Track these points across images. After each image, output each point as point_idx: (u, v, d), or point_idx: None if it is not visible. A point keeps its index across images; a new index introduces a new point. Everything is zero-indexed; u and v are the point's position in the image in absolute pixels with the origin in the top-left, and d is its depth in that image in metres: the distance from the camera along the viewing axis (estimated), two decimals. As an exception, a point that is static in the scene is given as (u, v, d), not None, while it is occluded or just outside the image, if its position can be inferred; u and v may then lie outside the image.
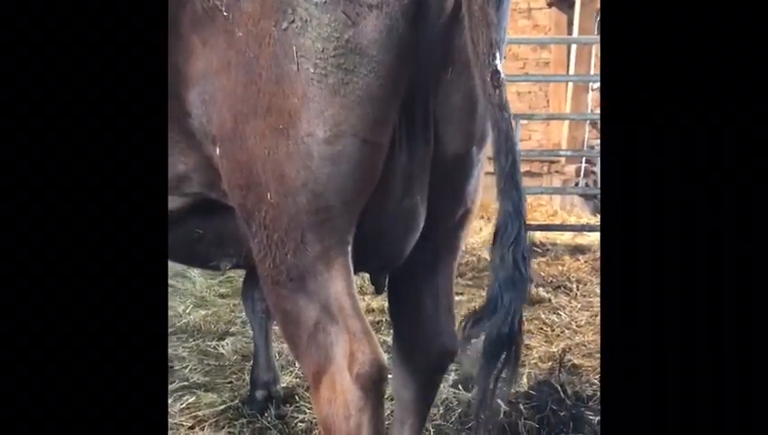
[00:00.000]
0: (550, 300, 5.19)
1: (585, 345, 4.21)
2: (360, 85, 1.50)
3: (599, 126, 9.91)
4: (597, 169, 9.68)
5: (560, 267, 6.62)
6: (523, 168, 7.12)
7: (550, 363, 3.73)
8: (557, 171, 10.10)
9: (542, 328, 4.57)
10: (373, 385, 1.60)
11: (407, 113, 1.63)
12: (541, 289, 5.49)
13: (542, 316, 4.78)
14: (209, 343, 3.99)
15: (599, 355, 4.06)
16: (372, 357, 1.59)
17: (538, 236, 7.20)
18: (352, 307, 1.62)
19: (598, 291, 5.89)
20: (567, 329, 4.56)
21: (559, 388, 3.12)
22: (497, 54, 1.49)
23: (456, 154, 1.75)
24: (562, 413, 2.97)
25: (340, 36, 1.47)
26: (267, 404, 3.08)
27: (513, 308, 1.52)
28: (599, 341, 4.38)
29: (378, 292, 2.15)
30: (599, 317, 4.86)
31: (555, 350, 4.05)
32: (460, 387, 3.31)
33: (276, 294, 1.68)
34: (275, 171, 1.55)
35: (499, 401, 1.93)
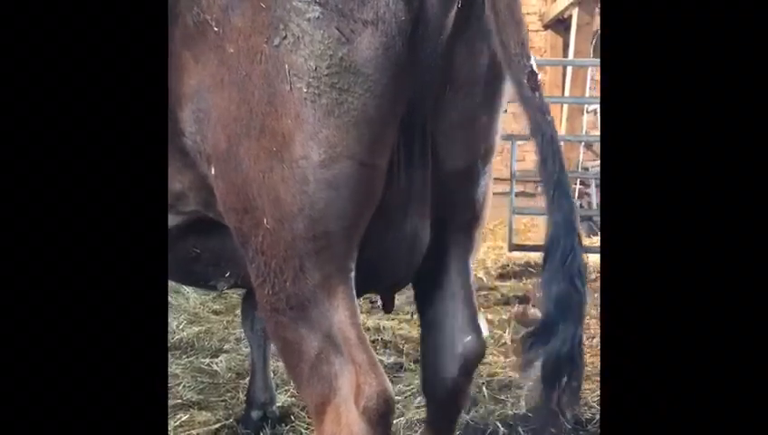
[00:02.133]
0: (545, 320, 5.17)
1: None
2: (355, 105, 1.46)
3: (593, 148, 9.94)
4: (591, 190, 9.69)
5: (556, 289, 6.61)
6: (518, 188, 7.14)
7: (544, 383, 3.71)
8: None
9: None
10: (381, 418, 1.54)
11: (405, 133, 1.60)
12: (535, 310, 5.47)
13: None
14: (203, 360, 3.95)
15: (597, 378, 4.07)
16: (380, 389, 1.53)
17: (533, 256, 7.19)
18: (357, 337, 1.56)
19: (594, 313, 5.88)
20: (563, 349, 4.53)
21: (558, 411, 3.08)
22: (531, 54, 1.43)
23: (458, 170, 1.72)
24: None
25: (333, 54, 1.43)
26: (263, 424, 3.05)
27: (570, 329, 1.46)
28: (596, 363, 4.40)
29: (386, 311, 2.11)
30: (596, 339, 4.87)
31: None
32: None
33: (276, 322, 1.62)
34: (271, 195, 1.51)
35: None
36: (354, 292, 1.62)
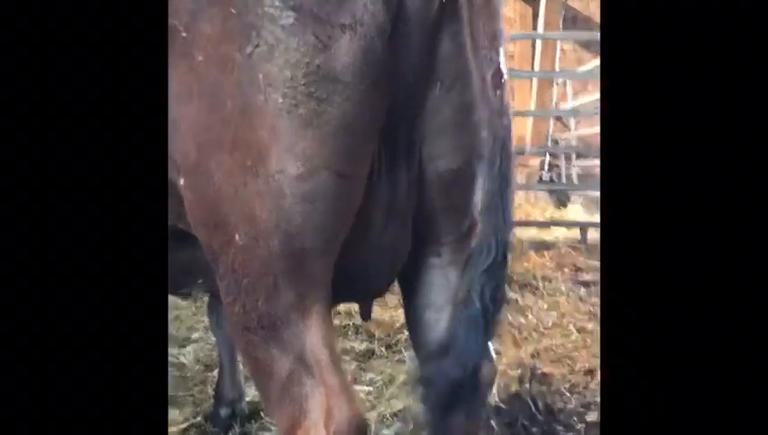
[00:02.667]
0: (517, 301, 5.17)
1: (553, 350, 4.19)
2: (334, 115, 1.37)
3: (563, 120, 9.95)
4: (560, 162, 9.72)
5: (525, 264, 6.62)
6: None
7: (519, 371, 3.69)
8: (521, 163, 10.11)
9: (510, 331, 4.54)
10: None
11: (387, 139, 1.51)
12: (506, 288, 5.46)
13: (510, 318, 4.75)
14: (171, 351, 3.85)
15: (567, 361, 4.07)
16: (351, 415, 1.48)
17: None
18: (330, 360, 1.50)
19: (563, 289, 5.91)
20: (534, 332, 4.53)
21: (530, 403, 3.06)
22: (500, 50, 1.34)
23: (451, 169, 1.62)
24: (534, 430, 2.90)
25: (310, 62, 1.33)
26: (232, 422, 2.98)
27: (470, 350, 1.36)
28: (566, 344, 4.41)
29: (364, 318, 2.04)
30: (565, 318, 4.88)
31: (524, 355, 4.02)
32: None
33: (246, 341, 1.54)
34: (244, 211, 1.42)
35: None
36: (329, 310, 1.55)
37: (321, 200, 1.42)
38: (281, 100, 1.35)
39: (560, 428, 2.93)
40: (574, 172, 9.50)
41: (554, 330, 4.62)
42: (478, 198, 1.71)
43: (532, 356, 4.01)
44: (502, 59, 1.35)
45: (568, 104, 9.63)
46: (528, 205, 9.02)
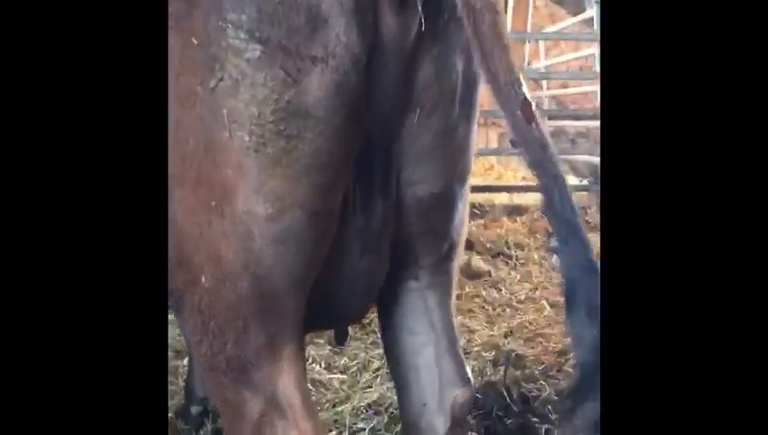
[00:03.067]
0: (490, 273, 5.14)
1: (527, 326, 4.18)
2: (305, 152, 1.28)
3: (535, 80, 9.87)
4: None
5: (498, 230, 6.60)
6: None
7: (493, 352, 3.67)
8: (494, 123, 10.06)
9: (483, 307, 4.52)
10: None
11: (362, 170, 1.43)
12: (479, 259, 5.44)
13: (483, 293, 4.73)
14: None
15: (541, 339, 4.06)
16: None
17: (477, 198, 7.13)
18: (302, 402, 1.44)
19: (536, 257, 5.90)
20: (508, 307, 4.52)
21: (505, 393, 3.04)
22: (521, 81, 1.26)
23: (432, 193, 1.56)
24: (509, 421, 2.87)
25: (279, 98, 1.24)
26: (203, 420, 2.92)
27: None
28: (539, 320, 4.40)
29: (339, 343, 1.98)
30: (538, 291, 4.88)
31: (497, 333, 4.00)
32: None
33: (215, 381, 1.47)
34: (209, 252, 1.34)
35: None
36: (302, 347, 1.49)
37: (292, 241, 1.34)
38: (247, 138, 1.27)
39: (534, 419, 2.90)
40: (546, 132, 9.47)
41: (527, 304, 4.61)
42: (458, 220, 1.66)
43: (506, 336, 3.99)
44: (525, 89, 1.27)
45: (540, 63, 9.53)
46: (501, 166, 8.97)
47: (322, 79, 1.25)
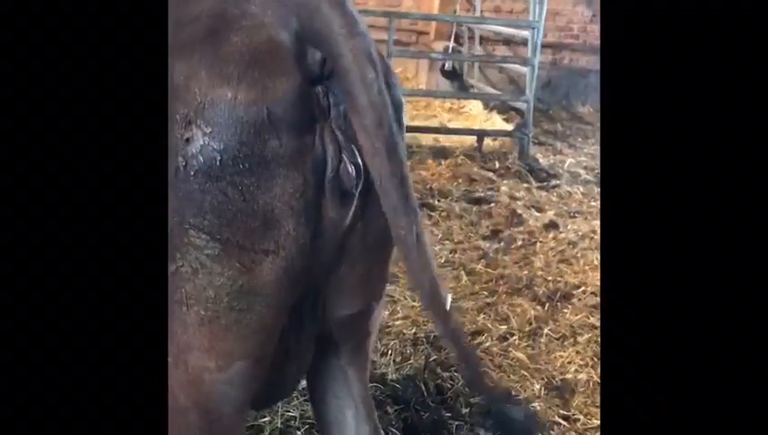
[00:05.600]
0: (415, 229, 5.29)
1: (443, 300, 4.38)
2: (254, 320, 1.46)
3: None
4: (464, 49, 9.69)
5: (423, 173, 6.74)
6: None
7: (414, 330, 3.88)
8: (424, 45, 10.00)
9: (404, 272, 4.70)
10: None
11: (294, 313, 1.60)
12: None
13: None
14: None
15: (457, 314, 4.27)
16: None
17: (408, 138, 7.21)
18: None
19: (457, 210, 6.09)
20: (428, 274, 4.69)
21: (423, 387, 3.21)
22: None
23: (351, 314, 1.73)
24: (425, 416, 3.02)
25: (233, 284, 1.41)
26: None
27: None
28: (456, 289, 4.59)
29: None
30: (456, 254, 5.08)
31: (418, 304, 4.15)
32: None
33: None
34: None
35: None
36: None
37: (239, 383, 1.54)
38: (203, 312, 1.43)
39: (447, 414, 3.06)
40: (476, 63, 9.54)
41: (445, 269, 4.79)
42: (375, 316, 1.84)
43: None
44: None
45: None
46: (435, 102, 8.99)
47: (273, 267, 1.42)
